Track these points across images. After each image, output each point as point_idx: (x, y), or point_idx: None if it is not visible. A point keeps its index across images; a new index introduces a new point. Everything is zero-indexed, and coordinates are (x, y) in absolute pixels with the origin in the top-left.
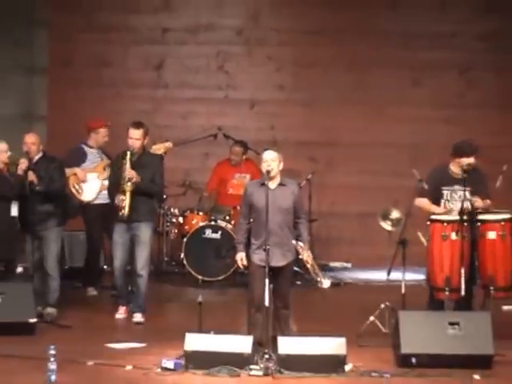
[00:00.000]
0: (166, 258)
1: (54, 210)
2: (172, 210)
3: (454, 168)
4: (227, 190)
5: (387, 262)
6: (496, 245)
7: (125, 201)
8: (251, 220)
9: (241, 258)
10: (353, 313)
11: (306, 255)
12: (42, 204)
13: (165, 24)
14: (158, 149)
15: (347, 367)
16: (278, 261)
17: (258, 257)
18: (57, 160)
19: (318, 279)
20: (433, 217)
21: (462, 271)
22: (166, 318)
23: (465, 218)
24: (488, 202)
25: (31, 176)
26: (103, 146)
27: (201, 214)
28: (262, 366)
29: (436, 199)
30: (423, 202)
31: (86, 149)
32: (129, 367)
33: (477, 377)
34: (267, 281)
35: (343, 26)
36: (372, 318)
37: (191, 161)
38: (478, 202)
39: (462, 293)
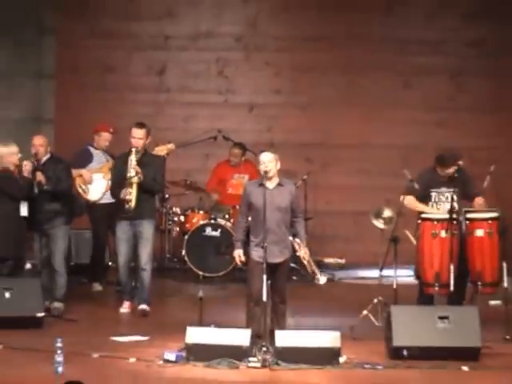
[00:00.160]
0: (168, 255)
1: (61, 209)
2: (174, 208)
3: (441, 171)
4: (226, 189)
5: (379, 258)
6: (484, 242)
7: (132, 193)
8: (249, 219)
9: (238, 254)
10: (347, 307)
11: (303, 252)
12: (50, 203)
13: (167, 31)
14: (161, 150)
15: (341, 359)
16: (276, 257)
17: (257, 254)
18: (64, 161)
19: (315, 275)
20: (423, 215)
21: (451, 267)
22: (168, 312)
23: (454, 216)
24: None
25: (39, 176)
26: (104, 148)
27: (201, 212)
28: (259, 358)
29: (424, 199)
30: (410, 200)
31: (92, 150)
32: (132, 359)
33: (465, 368)
34: (265, 276)
35: (339, 32)
36: (365, 312)
37: (192, 162)
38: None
39: (451, 288)
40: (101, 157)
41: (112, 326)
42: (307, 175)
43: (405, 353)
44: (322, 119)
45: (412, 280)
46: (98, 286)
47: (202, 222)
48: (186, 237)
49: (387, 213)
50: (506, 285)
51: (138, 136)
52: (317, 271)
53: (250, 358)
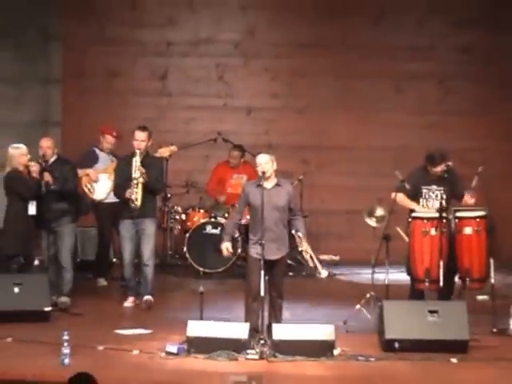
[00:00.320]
0: (170, 252)
1: (67, 207)
2: (175, 207)
3: (431, 170)
4: (226, 189)
5: (372, 255)
6: (472, 240)
7: (137, 193)
8: (248, 217)
9: (226, 247)
10: (341, 302)
11: (306, 246)
12: (57, 203)
13: (169, 38)
14: (164, 152)
15: (336, 351)
16: (273, 254)
17: (255, 251)
18: (70, 162)
19: (317, 269)
20: (414, 214)
21: (441, 264)
22: (170, 307)
23: (443, 215)
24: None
25: (47, 177)
26: (108, 150)
27: (202, 211)
28: (257, 350)
29: (415, 196)
30: (401, 197)
31: (98, 151)
32: (135, 352)
33: (454, 360)
34: (263, 272)
35: (334, 39)
36: (358, 307)
37: (193, 163)
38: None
39: (441, 284)
40: (106, 158)
41: (116, 319)
42: (303, 175)
43: (396, 345)
44: (318, 122)
45: (403, 276)
46: (102, 282)
47: (202, 221)
48: (187, 234)
49: (379, 212)
50: (492, 281)
51: (140, 138)
52: (319, 265)
53: (249, 351)
